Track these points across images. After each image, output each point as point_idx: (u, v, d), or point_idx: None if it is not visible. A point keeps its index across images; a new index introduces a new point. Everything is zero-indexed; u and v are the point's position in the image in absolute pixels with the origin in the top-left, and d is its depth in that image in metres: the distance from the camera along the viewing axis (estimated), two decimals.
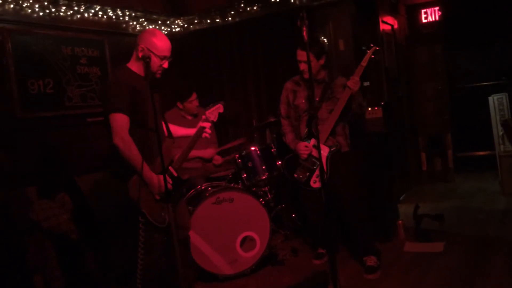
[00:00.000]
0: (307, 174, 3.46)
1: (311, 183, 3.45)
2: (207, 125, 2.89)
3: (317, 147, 2.71)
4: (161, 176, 2.57)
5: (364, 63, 3.35)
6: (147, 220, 2.64)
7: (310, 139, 3.46)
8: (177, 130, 3.23)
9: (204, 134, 2.89)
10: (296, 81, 3.65)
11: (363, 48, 3.39)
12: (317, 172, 3.43)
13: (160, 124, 2.79)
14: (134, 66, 2.74)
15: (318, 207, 3.48)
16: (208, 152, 4.35)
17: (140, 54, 2.67)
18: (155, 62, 2.68)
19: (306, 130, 3.50)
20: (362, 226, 3.50)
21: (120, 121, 2.55)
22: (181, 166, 2.88)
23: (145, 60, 2.58)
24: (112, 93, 2.60)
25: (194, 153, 4.32)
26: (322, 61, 3.49)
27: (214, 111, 2.97)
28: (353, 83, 3.29)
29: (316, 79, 3.49)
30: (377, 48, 3.36)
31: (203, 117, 2.92)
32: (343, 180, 3.45)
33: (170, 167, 2.75)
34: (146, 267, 2.74)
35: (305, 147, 3.45)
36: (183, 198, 2.98)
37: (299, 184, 3.51)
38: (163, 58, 2.70)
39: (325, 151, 3.41)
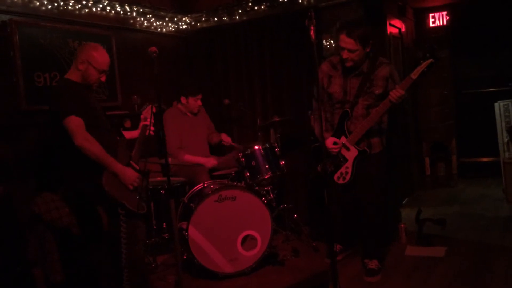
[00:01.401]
0: (333, 168, 3.37)
1: (335, 178, 3.37)
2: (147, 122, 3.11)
3: (346, 147, 2.65)
4: (129, 168, 2.83)
5: (414, 75, 2.94)
6: (127, 210, 2.76)
7: (340, 135, 3.32)
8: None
9: (147, 132, 3.10)
10: (333, 63, 3.37)
11: (419, 54, 2.93)
12: (341, 169, 3.34)
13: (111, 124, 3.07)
14: (73, 76, 2.92)
15: (341, 199, 3.45)
16: (209, 162, 4.35)
17: (80, 66, 2.88)
18: (93, 73, 2.91)
19: (338, 126, 3.32)
20: (374, 230, 3.47)
21: (77, 122, 2.71)
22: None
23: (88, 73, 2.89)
24: (64, 98, 2.76)
25: (196, 159, 4.34)
26: (368, 49, 3.18)
27: (148, 110, 3.19)
28: (397, 97, 2.97)
29: (356, 69, 3.23)
30: (432, 61, 2.89)
31: (145, 123, 3.14)
32: (368, 183, 3.37)
33: (131, 162, 2.93)
34: (131, 259, 2.84)
35: (333, 144, 3.31)
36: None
37: (323, 175, 3.42)
38: (101, 71, 2.94)
39: (354, 153, 3.30)
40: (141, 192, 2.87)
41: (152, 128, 3.12)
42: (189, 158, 4.32)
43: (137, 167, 2.94)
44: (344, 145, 3.32)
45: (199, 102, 4.41)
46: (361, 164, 3.32)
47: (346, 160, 3.34)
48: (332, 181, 3.38)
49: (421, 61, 2.92)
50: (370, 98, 3.27)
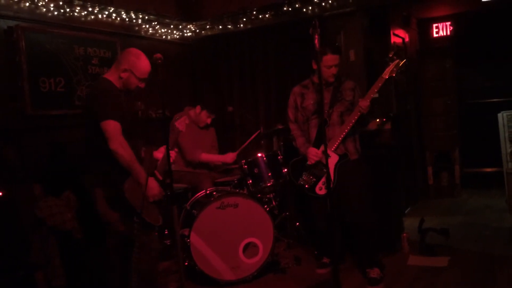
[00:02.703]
0: (313, 180, 3.44)
1: (317, 189, 3.43)
2: (172, 153, 2.94)
3: (325, 153, 2.71)
4: (154, 180, 2.78)
5: (385, 75, 3.29)
6: (143, 220, 2.72)
7: (320, 145, 3.41)
8: None
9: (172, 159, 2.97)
10: (304, 85, 3.64)
11: (387, 59, 3.31)
12: (323, 179, 3.39)
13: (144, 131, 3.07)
14: (114, 79, 2.87)
15: (325, 214, 3.46)
16: (228, 157, 4.36)
17: (122, 74, 2.84)
18: (134, 82, 2.88)
19: (316, 136, 3.47)
20: (367, 237, 3.47)
21: (115, 127, 2.68)
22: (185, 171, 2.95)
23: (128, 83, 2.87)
24: (106, 100, 2.72)
25: (215, 158, 4.35)
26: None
27: (182, 122, 3.10)
28: (366, 107, 3.25)
29: (328, 82, 3.47)
30: (398, 61, 3.30)
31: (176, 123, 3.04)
32: (351, 189, 3.42)
33: (155, 171, 2.88)
34: (142, 268, 2.80)
35: (315, 153, 3.41)
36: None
37: (304, 190, 3.49)
38: (141, 80, 2.90)
39: (334, 159, 3.38)
40: (160, 205, 2.84)
41: (173, 155, 3.00)
42: (207, 157, 4.32)
43: (161, 178, 2.88)
44: (324, 153, 3.35)
45: (209, 121, 4.44)
46: (342, 173, 3.38)
47: (326, 168, 3.35)
48: (315, 194, 3.44)
49: (390, 62, 3.31)
50: (343, 105, 3.47)
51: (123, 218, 2.77)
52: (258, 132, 4.46)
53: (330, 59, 3.38)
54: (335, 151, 3.40)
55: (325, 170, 3.34)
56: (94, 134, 2.71)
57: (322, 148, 3.38)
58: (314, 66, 3.40)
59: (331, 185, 3.30)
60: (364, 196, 3.46)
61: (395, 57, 3.31)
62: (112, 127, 2.66)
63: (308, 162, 3.44)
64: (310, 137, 3.53)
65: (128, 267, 2.78)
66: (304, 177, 3.48)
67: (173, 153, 2.93)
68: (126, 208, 2.71)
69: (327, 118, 3.43)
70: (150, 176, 2.79)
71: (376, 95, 3.36)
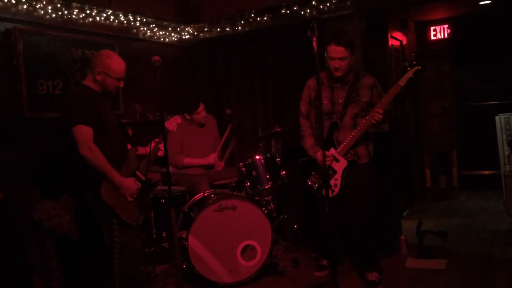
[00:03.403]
0: (321, 181, 3.36)
1: (323, 191, 3.39)
2: (161, 146, 3.03)
3: (335, 158, 2.67)
4: (131, 179, 2.83)
5: (402, 82, 3.09)
6: (121, 221, 2.78)
7: (329, 148, 3.34)
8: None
9: (160, 152, 3.06)
10: (320, 78, 3.51)
11: (405, 64, 3.22)
12: (331, 182, 3.33)
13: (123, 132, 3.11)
14: (91, 83, 2.91)
15: (329, 214, 3.44)
16: (210, 159, 4.36)
17: (97, 77, 2.86)
18: (111, 82, 2.90)
19: (326, 138, 3.34)
20: (368, 241, 3.46)
21: (85, 132, 2.73)
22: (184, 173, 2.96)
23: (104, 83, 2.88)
24: (75, 106, 2.78)
25: (196, 161, 4.35)
26: (353, 58, 3.31)
27: (172, 121, 3.17)
28: (379, 118, 3.11)
29: (343, 80, 3.33)
30: (419, 68, 3.12)
31: (156, 139, 3.08)
32: (356, 194, 3.38)
33: (137, 172, 2.92)
34: (125, 269, 2.85)
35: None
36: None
37: (311, 190, 3.45)
38: (118, 79, 2.91)
39: (342, 164, 3.32)
40: (141, 203, 2.88)
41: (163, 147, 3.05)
42: (189, 161, 4.33)
43: (143, 178, 2.93)
44: (333, 157, 3.32)
45: (203, 113, 4.42)
46: (349, 176, 3.33)
47: (335, 172, 3.34)
48: (321, 196, 3.37)
49: (409, 68, 3.17)
50: (358, 106, 3.33)
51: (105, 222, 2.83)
52: (230, 126, 4.50)
53: (333, 51, 3.24)
54: (344, 155, 3.31)
55: (333, 172, 3.33)
56: (69, 141, 2.78)
57: (331, 151, 3.33)
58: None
59: (337, 191, 3.31)
60: (367, 202, 3.42)
61: (414, 62, 3.15)
62: (81, 133, 2.72)
63: (320, 166, 3.34)
64: (322, 137, 3.32)
65: (111, 269, 2.82)
66: (312, 177, 3.43)
67: (162, 146, 2.98)
68: (105, 211, 2.78)
69: (339, 120, 3.33)
70: (131, 176, 2.86)
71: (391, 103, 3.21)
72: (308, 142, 3.48)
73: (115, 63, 2.89)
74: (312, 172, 3.43)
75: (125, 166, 2.90)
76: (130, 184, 2.83)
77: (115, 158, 2.83)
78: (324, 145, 3.29)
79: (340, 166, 3.32)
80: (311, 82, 3.51)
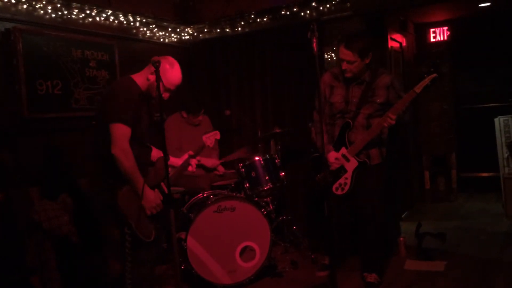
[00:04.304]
0: (330, 179, 3.35)
1: (333, 188, 3.37)
2: (193, 162, 2.93)
3: (346, 158, 2.65)
4: (156, 192, 2.66)
5: (418, 89, 2.99)
6: (133, 232, 2.62)
7: (341, 146, 3.33)
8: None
9: (190, 168, 2.93)
10: (335, 74, 3.42)
11: (423, 69, 3.00)
12: (340, 181, 3.34)
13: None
14: (139, 80, 2.76)
15: (338, 212, 3.44)
16: (211, 162, 4.36)
17: (150, 77, 2.70)
18: (155, 90, 2.67)
19: (338, 137, 3.34)
20: (371, 243, 3.45)
21: (123, 132, 2.57)
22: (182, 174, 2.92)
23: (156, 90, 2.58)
24: (121, 102, 2.61)
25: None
26: (367, 60, 3.23)
27: (211, 137, 3.06)
28: (390, 122, 3.08)
29: (357, 79, 3.30)
30: (436, 76, 2.96)
31: (191, 152, 2.95)
32: (366, 195, 3.37)
33: (162, 183, 2.76)
34: (135, 278, 2.72)
35: (335, 159, 3.32)
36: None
37: (321, 187, 3.42)
38: (166, 89, 2.74)
39: (353, 164, 3.31)
40: (157, 220, 2.73)
41: (194, 164, 2.92)
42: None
43: (166, 191, 2.70)
44: (344, 156, 3.32)
45: (200, 117, 4.43)
46: (360, 176, 3.32)
47: (345, 171, 3.34)
48: (331, 192, 3.36)
49: (425, 75, 2.99)
50: (372, 107, 3.29)
51: (116, 226, 2.71)
52: (245, 150, 4.37)
53: (341, 52, 3.22)
54: (356, 156, 3.29)
55: (344, 171, 3.32)
56: (101, 135, 2.63)
57: (342, 151, 3.32)
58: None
59: (346, 190, 3.30)
60: (377, 203, 3.39)
61: (432, 69, 2.99)
62: (120, 131, 2.56)
63: (331, 168, 3.34)
64: (334, 136, 3.38)
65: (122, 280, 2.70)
66: (323, 174, 3.35)
67: (194, 161, 2.87)
68: (117, 216, 2.62)
69: (351, 119, 3.30)
70: (155, 187, 2.71)
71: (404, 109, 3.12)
72: (319, 139, 3.38)
73: (174, 73, 2.74)
74: (323, 168, 3.29)
75: (152, 175, 2.75)
76: (154, 197, 2.67)
77: (143, 165, 2.70)
78: (335, 145, 3.32)
79: (350, 165, 3.31)
80: (326, 77, 3.46)
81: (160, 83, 2.59)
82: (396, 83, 3.34)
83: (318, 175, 3.46)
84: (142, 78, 2.75)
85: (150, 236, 2.68)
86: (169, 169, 2.69)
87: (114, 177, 2.61)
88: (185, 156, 2.96)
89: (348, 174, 3.32)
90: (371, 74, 3.31)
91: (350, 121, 3.31)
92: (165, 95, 2.75)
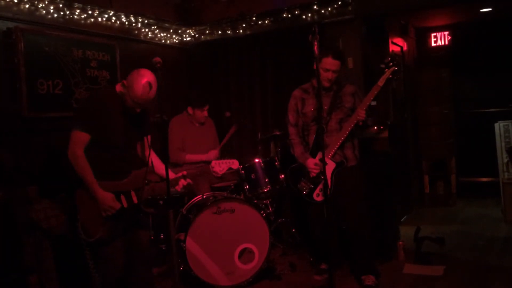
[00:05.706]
0: (311, 186, 3.44)
1: (314, 196, 3.43)
2: (181, 182, 2.87)
3: (323, 161, 2.72)
4: (110, 195, 2.68)
5: (381, 83, 3.25)
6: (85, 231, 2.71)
7: (317, 152, 3.41)
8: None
9: (177, 187, 2.87)
10: (304, 89, 3.62)
11: (382, 66, 3.26)
12: (321, 186, 3.40)
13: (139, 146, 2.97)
14: (119, 88, 2.78)
15: (322, 220, 3.44)
16: (211, 155, 4.33)
17: (121, 88, 2.74)
18: (127, 101, 2.72)
19: (313, 143, 3.46)
20: (362, 244, 3.47)
21: (79, 138, 2.70)
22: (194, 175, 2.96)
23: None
24: (84, 109, 2.79)
25: (197, 157, 4.33)
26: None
27: (223, 164, 3.12)
28: (362, 115, 3.24)
29: (326, 88, 3.45)
30: (396, 68, 3.24)
31: (184, 172, 2.89)
32: (347, 196, 3.43)
33: (132, 192, 2.77)
34: (105, 281, 2.81)
35: (314, 165, 3.39)
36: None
37: (302, 196, 3.49)
38: (134, 102, 2.71)
39: (331, 166, 3.38)
40: (116, 224, 2.72)
41: (182, 185, 2.87)
42: (190, 157, 4.29)
43: (136, 201, 2.77)
44: (321, 160, 3.33)
45: (206, 113, 4.42)
46: (339, 177, 3.39)
47: (323, 175, 3.35)
48: (312, 200, 3.44)
49: (386, 69, 3.24)
50: (342, 112, 3.46)
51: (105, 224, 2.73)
52: (233, 127, 4.46)
53: (329, 63, 3.36)
54: (332, 158, 3.40)
55: (322, 177, 3.35)
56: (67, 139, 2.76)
57: (319, 156, 3.39)
58: (315, 66, 3.25)
59: (328, 192, 3.33)
60: (359, 203, 3.47)
61: (390, 64, 3.25)
62: (74, 137, 2.71)
63: (311, 175, 3.43)
64: (309, 144, 3.53)
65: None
66: (302, 183, 3.48)
67: (183, 182, 2.85)
68: (72, 213, 2.76)
69: (325, 125, 3.43)
70: (124, 194, 2.73)
71: (374, 103, 3.35)
72: (298, 150, 3.58)
73: (136, 86, 2.65)
74: (302, 178, 3.49)
75: (126, 181, 2.76)
76: (106, 199, 2.66)
77: (120, 169, 2.76)
78: (312, 151, 3.48)
79: (328, 168, 3.37)
80: (297, 92, 3.66)
81: (127, 96, 2.69)
82: (359, 91, 3.60)
83: (298, 185, 3.51)
84: (121, 86, 2.76)
85: (92, 236, 2.68)
86: (157, 178, 2.84)
87: (74, 178, 2.74)
88: (179, 174, 2.90)
89: (327, 177, 3.34)
90: (337, 84, 3.51)
91: (323, 126, 3.41)
92: (136, 108, 2.75)
